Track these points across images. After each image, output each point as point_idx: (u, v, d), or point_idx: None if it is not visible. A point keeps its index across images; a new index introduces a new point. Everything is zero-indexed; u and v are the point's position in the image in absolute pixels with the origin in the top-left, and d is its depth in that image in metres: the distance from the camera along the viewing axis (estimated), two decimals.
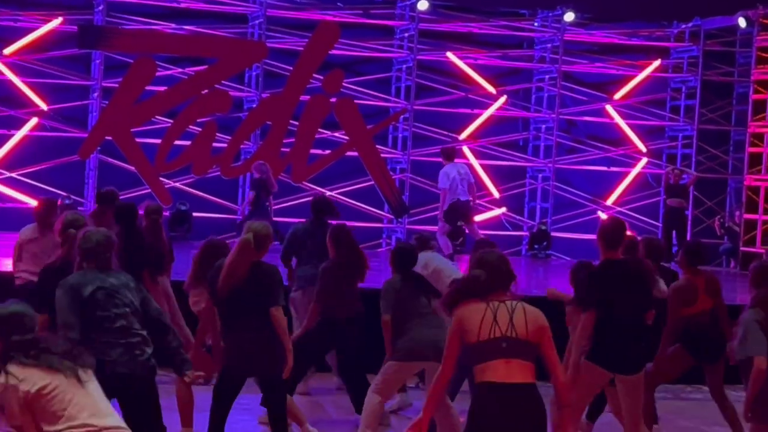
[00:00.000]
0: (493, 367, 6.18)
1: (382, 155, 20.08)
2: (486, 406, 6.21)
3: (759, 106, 22.06)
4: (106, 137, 18.41)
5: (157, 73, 18.53)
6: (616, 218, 8.82)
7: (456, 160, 17.99)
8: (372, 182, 19.54)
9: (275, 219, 17.53)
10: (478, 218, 21.22)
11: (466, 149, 21.57)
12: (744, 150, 22.27)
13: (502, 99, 21.84)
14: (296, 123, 18.89)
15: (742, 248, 21.17)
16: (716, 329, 10.12)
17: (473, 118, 21.73)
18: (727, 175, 22.84)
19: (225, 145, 18.79)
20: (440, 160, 18.48)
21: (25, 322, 5.71)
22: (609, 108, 22.38)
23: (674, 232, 20.10)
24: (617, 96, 22.41)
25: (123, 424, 5.73)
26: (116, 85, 18.66)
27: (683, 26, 22.71)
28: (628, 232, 9.82)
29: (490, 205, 21.68)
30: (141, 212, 11.17)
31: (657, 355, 10.01)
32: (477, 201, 20.39)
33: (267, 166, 17.75)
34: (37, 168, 19.48)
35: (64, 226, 8.29)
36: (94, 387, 5.67)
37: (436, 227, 17.70)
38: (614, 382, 8.64)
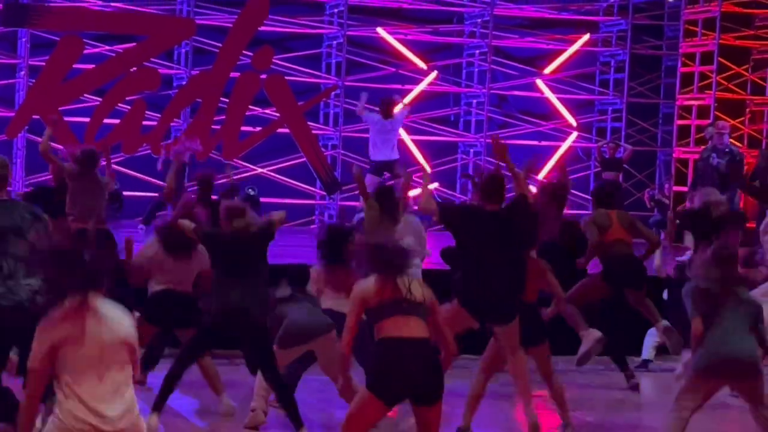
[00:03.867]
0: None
1: (313, 132, 20.00)
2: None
3: (687, 79, 22.26)
4: (34, 116, 18.18)
5: (85, 51, 18.31)
6: (495, 173, 9.40)
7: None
8: (304, 159, 19.47)
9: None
10: (410, 194, 21.23)
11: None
12: (673, 123, 22.48)
13: (433, 74, 21.84)
14: (226, 100, 18.77)
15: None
16: (635, 258, 10.47)
17: (404, 93, 21.70)
18: (656, 148, 23.04)
19: (155, 123, 18.63)
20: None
21: None
22: (539, 82, 22.45)
23: None
24: (547, 70, 22.48)
25: None
26: (43, 64, 18.43)
27: (612, 0, 22.83)
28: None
29: (422, 181, 21.65)
30: None
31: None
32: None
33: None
34: None
35: None
36: None
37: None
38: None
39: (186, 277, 10.25)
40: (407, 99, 20.60)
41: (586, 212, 22.10)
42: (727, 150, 16.27)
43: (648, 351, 13.07)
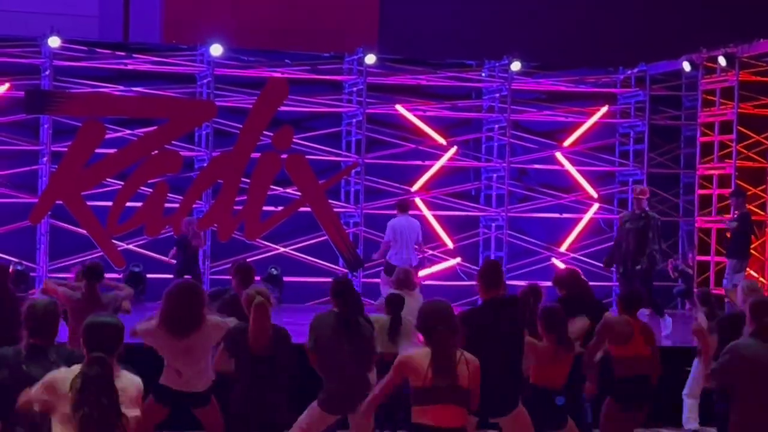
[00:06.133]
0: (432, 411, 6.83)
1: (335, 209, 20.05)
2: None
3: (706, 149, 22.24)
4: (57, 201, 18.29)
5: (107, 136, 18.43)
6: (493, 261, 9.30)
7: (410, 212, 18.42)
8: (326, 237, 19.50)
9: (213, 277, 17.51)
10: (433, 269, 21.26)
11: (418, 201, 21.62)
12: (694, 192, 22.45)
13: (453, 150, 21.93)
14: (248, 180, 18.85)
15: (696, 290, 21.26)
16: (646, 377, 10.13)
17: (424, 169, 21.79)
18: (678, 218, 23.00)
19: (177, 205, 18.70)
20: (394, 212, 18.54)
21: None
22: (559, 155, 22.50)
23: None
24: (567, 143, 22.55)
25: None
26: (65, 150, 18.57)
27: (629, 72, 22.92)
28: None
29: (444, 256, 21.69)
30: None
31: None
32: (429, 253, 20.58)
33: (192, 222, 18.02)
34: None
35: None
36: None
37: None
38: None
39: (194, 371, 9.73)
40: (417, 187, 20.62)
41: (609, 283, 22.12)
42: (642, 215, 16.91)
43: (690, 419, 12.83)
